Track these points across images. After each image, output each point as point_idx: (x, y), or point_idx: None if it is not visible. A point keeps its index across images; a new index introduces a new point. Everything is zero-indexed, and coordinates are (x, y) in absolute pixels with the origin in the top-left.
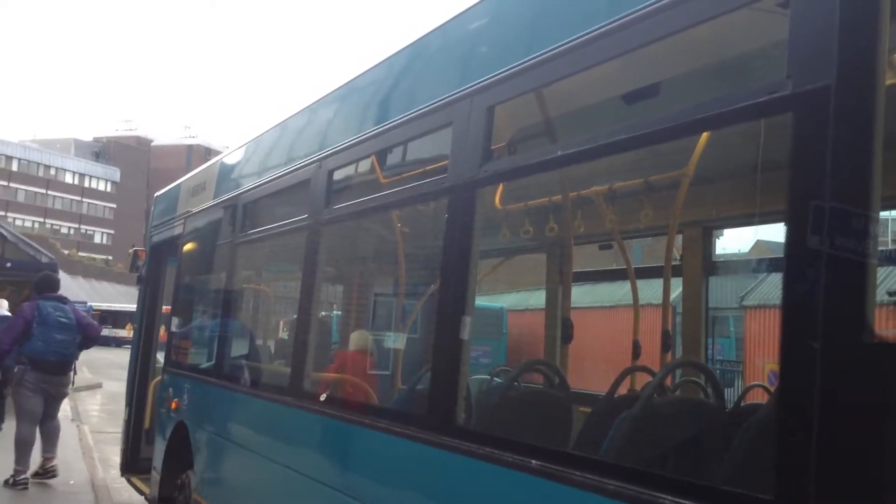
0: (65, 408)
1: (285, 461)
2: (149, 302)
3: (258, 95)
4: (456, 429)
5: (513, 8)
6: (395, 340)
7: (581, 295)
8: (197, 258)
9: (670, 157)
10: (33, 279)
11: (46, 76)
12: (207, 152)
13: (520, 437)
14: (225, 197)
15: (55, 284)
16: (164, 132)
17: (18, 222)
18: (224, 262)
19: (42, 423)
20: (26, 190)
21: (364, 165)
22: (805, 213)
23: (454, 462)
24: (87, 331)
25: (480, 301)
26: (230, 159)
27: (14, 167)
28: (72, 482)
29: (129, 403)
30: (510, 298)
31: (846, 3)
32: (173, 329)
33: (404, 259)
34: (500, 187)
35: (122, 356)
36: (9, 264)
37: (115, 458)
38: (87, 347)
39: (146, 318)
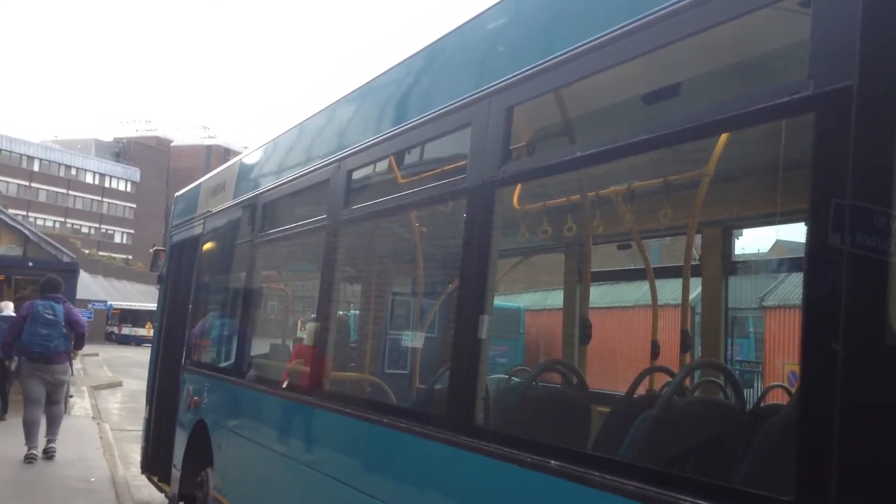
0: (85, 406)
1: (303, 459)
2: (170, 301)
3: (276, 96)
4: (475, 428)
5: (531, 9)
6: (414, 339)
7: (600, 295)
8: (216, 258)
9: (689, 156)
10: (40, 280)
11: (67, 77)
12: (226, 152)
13: (538, 437)
14: (244, 197)
15: (57, 286)
16: (184, 133)
17: (40, 222)
18: (243, 262)
19: (47, 407)
20: (48, 190)
21: (383, 166)
22: (826, 213)
23: (473, 461)
24: (74, 328)
25: (498, 301)
26: (249, 160)
27: (35, 167)
28: (93, 479)
29: (149, 402)
30: (528, 298)
31: (868, 2)
32: (192, 327)
33: (423, 259)
34: (519, 187)
35: (143, 354)
36: (31, 263)
37: (136, 455)
38: (79, 343)
39: (167, 316)
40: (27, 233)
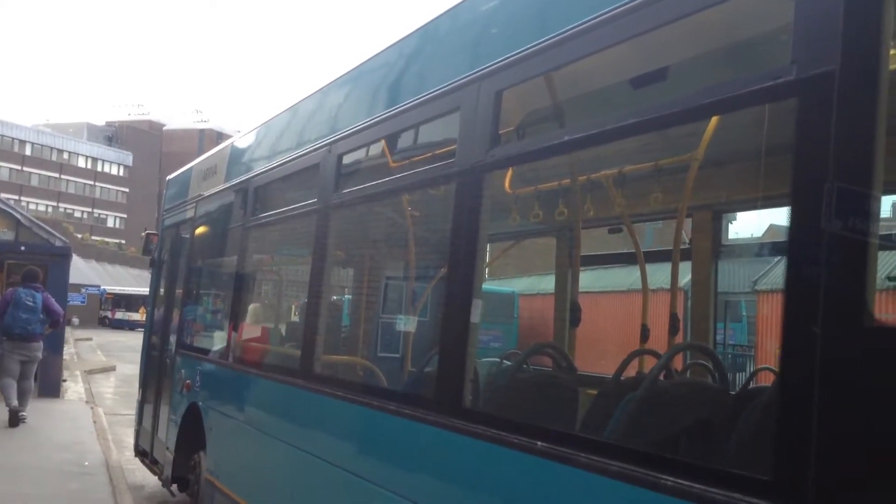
0: (79, 390)
1: (294, 441)
2: (162, 285)
3: (269, 79)
4: (461, 410)
5: None
6: (403, 323)
7: (595, 279)
8: (208, 241)
9: (679, 140)
10: (21, 273)
11: (59, 61)
12: (219, 136)
13: (526, 419)
14: (236, 181)
15: (36, 276)
16: (176, 116)
17: (32, 206)
18: (234, 246)
19: (19, 382)
20: (39, 174)
21: (373, 150)
22: (808, 197)
23: (459, 443)
24: (51, 315)
25: (492, 285)
26: (241, 143)
27: (27, 151)
28: (86, 463)
29: (142, 385)
30: (522, 283)
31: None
32: (184, 311)
33: (413, 243)
34: (510, 171)
35: (136, 339)
36: (23, 248)
37: (130, 439)
38: (55, 327)
39: (159, 300)
40: (19, 217)
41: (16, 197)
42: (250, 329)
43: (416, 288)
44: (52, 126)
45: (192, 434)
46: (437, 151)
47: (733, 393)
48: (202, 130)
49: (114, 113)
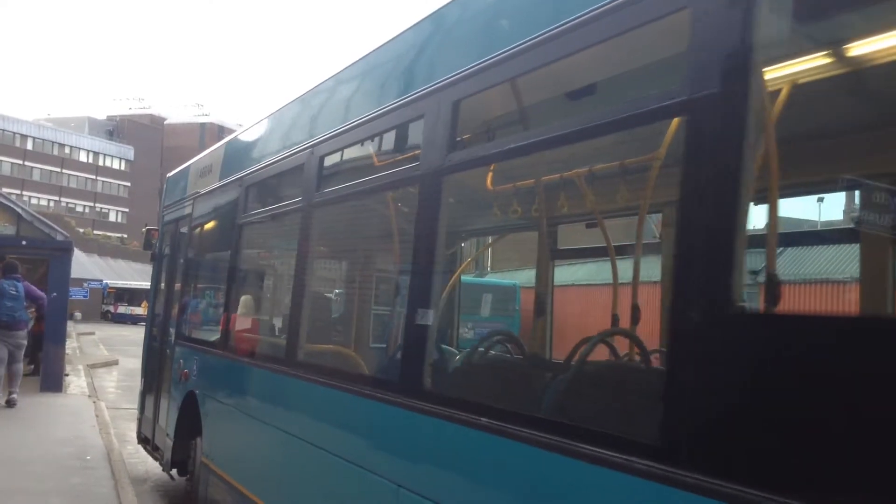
0: (81, 384)
1: (279, 424)
2: (163, 278)
3: (270, 72)
4: (424, 393)
5: (473, 13)
6: (377, 315)
7: (584, 273)
8: (204, 237)
9: (644, 142)
10: (1, 265)
11: (60, 55)
12: (220, 130)
13: (476, 399)
14: (229, 179)
15: (16, 268)
16: (178, 110)
17: (34, 201)
18: (228, 241)
19: (9, 366)
20: (41, 168)
21: (349, 153)
22: (692, 201)
23: (420, 421)
24: (36, 300)
25: (495, 278)
26: (234, 143)
27: (29, 146)
28: (88, 457)
29: (144, 375)
30: (526, 275)
31: (727, 31)
32: (183, 304)
33: (390, 239)
34: (491, 170)
35: (139, 333)
36: (24, 242)
37: (132, 433)
38: (41, 312)
39: (160, 293)
40: (20, 211)
41: (18, 192)
42: (241, 320)
43: (391, 281)
44: (54, 120)
45: (189, 421)
46: (406, 156)
47: (649, 370)
48: (203, 124)
49: (115, 107)
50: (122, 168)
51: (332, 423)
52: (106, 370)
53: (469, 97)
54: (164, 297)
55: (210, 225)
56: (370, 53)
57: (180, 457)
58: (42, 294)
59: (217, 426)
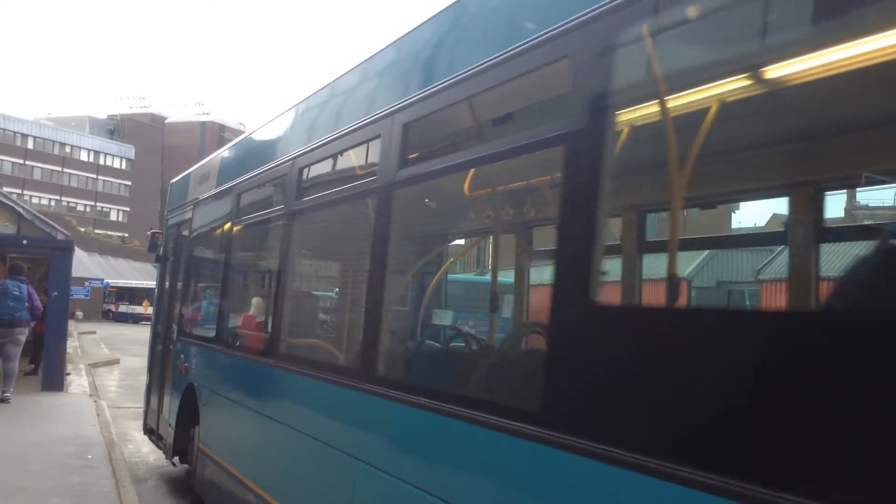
0: (83, 383)
1: (265, 412)
2: (167, 279)
3: (270, 71)
4: (377, 378)
5: (416, 48)
6: (345, 312)
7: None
8: (202, 240)
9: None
10: (7, 267)
11: (60, 54)
12: (221, 129)
13: (416, 382)
14: (224, 186)
15: (21, 270)
16: (178, 109)
17: (35, 200)
18: (223, 244)
19: (4, 363)
20: (42, 168)
21: (320, 167)
22: (566, 215)
23: (372, 402)
24: (33, 311)
25: (474, 276)
26: (227, 154)
27: (30, 145)
28: (90, 456)
29: (150, 370)
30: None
31: (597, 75)
32: (183, 302)
33: (364, 242)
34: (469, 174)
35: (140, 332)
36: (25, 241)
37: (134, 432)
38: (36, 320)
39: (165, 293)
40: (21, 211)
41: (18, 191)
42: (233, 317)
43: (357, 283)
44: (54, 119)
45: (189, 411)
46: (367, 171)
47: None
48: (204, 123)
49: (115, 106)
50: (123, 167)
51: (308, 407)
52: (107, 369)
53: (417, 120)
54: (168, 297)
55: (207, 228)
56: (339, 77)
57: (181, 445)
58: (40, 306)
59: (212, 415)
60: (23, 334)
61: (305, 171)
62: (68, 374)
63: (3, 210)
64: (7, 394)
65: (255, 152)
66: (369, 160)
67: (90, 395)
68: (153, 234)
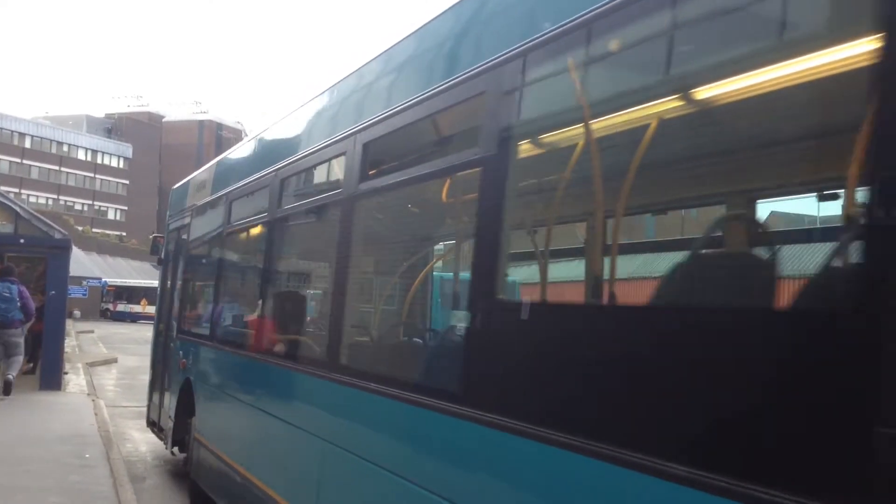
0: (80, 383)
1: (256, 404)
2: (169, 280)
3: (268, 69)
4: (339, 367)
5: (369, 80)
6: (321, 311)
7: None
8: (199, 243)
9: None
10: None
11: (58, 53)
12: (219, 127)
13: (375, 371)
14: (217, 194)
15: (12, 272)
16: (176, 108)
17: (32, 199)
18: (214, 247)
19: (6, 359)
20: (39, 167)
21: (302, 177)
22: (484, 227)
23: (336, 388)
24: (24, 310)
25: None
26: (220, 164)
27: (27, 144)
28: (87, 455)
29: (153, 366)
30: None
31: (508, 108)
32: (182, 302)
33: (339, 245)
34: (447, 182)
35: (138, 331)
36: (22, 240)
37: (132, 431)
38: (28, 317)
39: (167, 293)
40: (18, 210)
41: (16, 190)
42: (224, 315)
43: (329, 285)
44: (52, 118)
45: (187, 403)
46: (331, 184)
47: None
48: (201, 122)
49: (113, 105)
50: (121, 166)
51: (286, 396)
52: (105, 368)
53: (376, 139)
54: (168, 297)
55: (202, 233)
56: (309, 101)
57: (179, 436)
58: (32, 307)
59: (206, 406)
60: (18, 335)
61: (287, 181)
62: (66, 373)
63: (1, 209)
64: (11, 377)
65: (242, 164)
66: (335, 175)
67: (88, 395)
68: (155, 237)
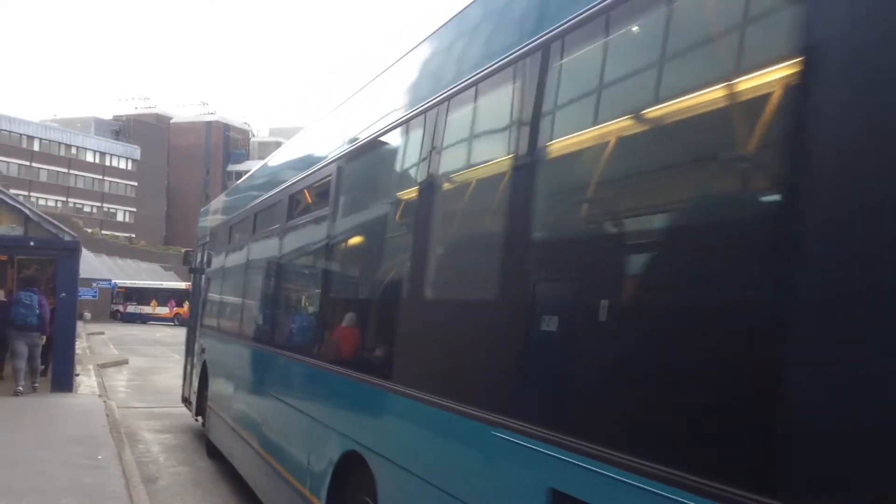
0: (92, 384)
1: (247, 378)
2: (200, 286)
3: (275, 70)
4: (325, 356)
5: (338, 123)
6: (300, 308)
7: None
8: (214, 257)
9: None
10: (20, 276)
11: (65, 55)
12: (226, 128)
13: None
14: (225, 218)
15: (34, 282)
16: (183, 109)
17: (42, 202)
18: (225, 261)
19: (28, 362)
20: (48, 169)
21: (282, 208)
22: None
23: (319, 373)
24: (41, 314)
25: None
26: (227, 195)
27: (36, 147)
28: (100, 457)
29: (186, 353)
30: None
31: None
32: (203, 302)
33: (316, 254)
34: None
35: (148, 332)
36: (32, 243)
37: (143, 432)
38: (42, 326)
39: (199, 297)
40: (27, 212)
41: (25, 193)
42: (229, 310)
43: (311, 287)
44: (60, 121)
45: (205, 382)
46: (322, 207)
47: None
48: (209, 123)
49: (121, 107)
50: (129, 168)
51: (274, 374)
52: (116, 369)
53: (353, 161)
54: (198, 300)
55: (218, 248)
56: (294, 139)
57: (202, 407)
58: (47, 314)
59: (213, 381)
60: (36, 339)
61: (263, 214)
62: (77, 374)
63: (11, 212)
64: (36, 384)
65: (237, 198)
66: (321, 198)
67: (99, 396)
68: (186, 252)
